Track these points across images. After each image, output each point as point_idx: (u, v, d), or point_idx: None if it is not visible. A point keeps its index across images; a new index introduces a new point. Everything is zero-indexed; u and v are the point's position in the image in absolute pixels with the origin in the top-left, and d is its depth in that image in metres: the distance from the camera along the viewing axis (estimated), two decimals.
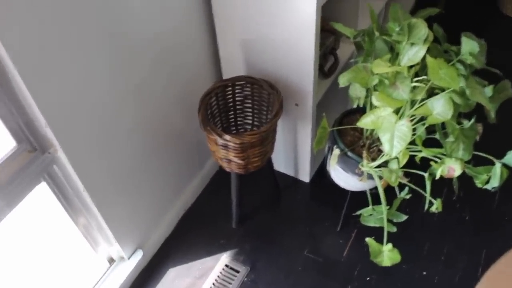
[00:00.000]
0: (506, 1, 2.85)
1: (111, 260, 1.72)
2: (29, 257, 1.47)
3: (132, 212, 1.66)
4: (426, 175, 1.36)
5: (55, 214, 1.44)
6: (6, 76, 1.07)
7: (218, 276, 1.76)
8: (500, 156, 1.30)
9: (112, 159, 1.45)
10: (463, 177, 1.33)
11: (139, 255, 1.75)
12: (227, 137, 1.42)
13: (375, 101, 1.29)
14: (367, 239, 1.45)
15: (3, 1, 0.96)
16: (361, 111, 1.63)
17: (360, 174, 1.53)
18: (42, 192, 1.33)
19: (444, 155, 1.33)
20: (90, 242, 1.59)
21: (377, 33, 1.37)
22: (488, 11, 2.94)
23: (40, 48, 1.08)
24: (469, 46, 1.28)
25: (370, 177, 1.50)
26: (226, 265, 1.80)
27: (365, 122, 1.30)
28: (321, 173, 2.08)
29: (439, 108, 1.22)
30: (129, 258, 1.74)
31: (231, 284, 1.74)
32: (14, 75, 1.06)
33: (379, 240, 1.44)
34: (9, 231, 1.35)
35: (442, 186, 1.98)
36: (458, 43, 1.35)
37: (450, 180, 1.36)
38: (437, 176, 1.32)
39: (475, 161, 1.34)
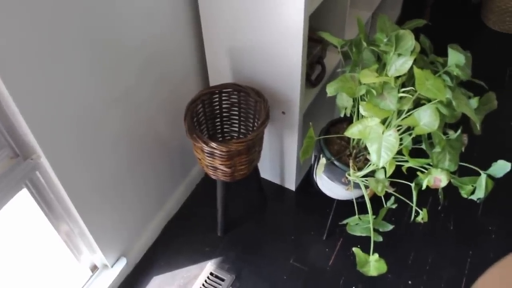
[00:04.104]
0: (489, 14, 2.90)
1: (94, 268, 1.69)
2: (10, 265, 1.44)
3: (116, 219, 1.63)
4: (412, 185, 1.37)
5: (36, 221, 1.41)
6: None
7: (203, 284, 1.74)
8: (485, 167, 1.31)
9: (96, 166, 1.43)
10: (448, 186, 1.34)
11: (122, 263, 1.73)
12: (214, 145, 1.41)
13: (362, 111, 1.29)
14: (354, 249, 1.44)
15: None
16: (348, 120, 1.63)
17: (347, 183, 1.53)
18: (23, 198, 1.31)
19: (431, 165, 1.33)
20: (73, 250, 1.56)
21: (364, 44, 1.38)
22: (472, 24, 2.98)
23: (22, 53, 1.06)
24: (456, 58, 1.29)
25: (356, 186, 1.50)
26: (211, 273, 1.78)
27: (353, 131, 1.31)
28: (307, 181, 2.08)
29: (426, 119, 1.23)
30: (112, 266, 1.71)
31: None
32: None
33: (365, 249, 1.44)
34: None
35: (427, 195, 2.00)
36: (442, 54, 1.37)
37: (435, 189, 1.37)
38: (424, 187, 1.33)
39: (460, 172, 1.35)
